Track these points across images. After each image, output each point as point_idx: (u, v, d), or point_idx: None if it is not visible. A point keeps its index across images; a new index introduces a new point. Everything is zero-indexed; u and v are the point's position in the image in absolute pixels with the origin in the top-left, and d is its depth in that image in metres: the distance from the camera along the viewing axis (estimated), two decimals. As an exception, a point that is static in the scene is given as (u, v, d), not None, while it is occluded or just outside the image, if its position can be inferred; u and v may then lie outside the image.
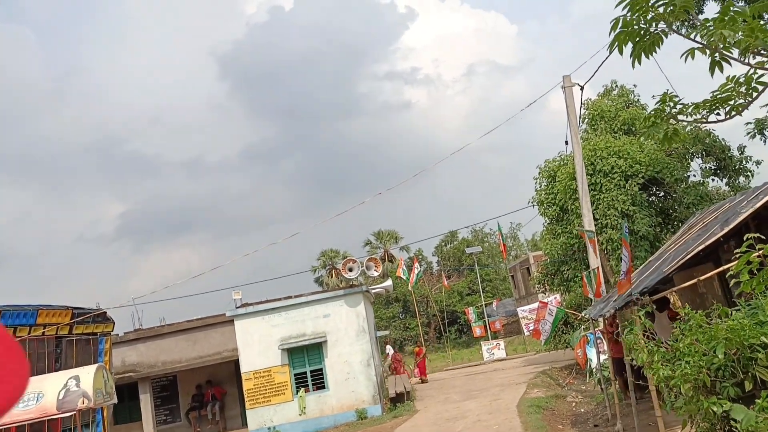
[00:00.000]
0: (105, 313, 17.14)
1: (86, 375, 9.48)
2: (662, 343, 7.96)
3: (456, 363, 34.82)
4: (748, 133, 17.60)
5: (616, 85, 24.50)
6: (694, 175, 20.78)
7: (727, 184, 20.42)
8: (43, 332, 14.37)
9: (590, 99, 24.54)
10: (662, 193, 20.65)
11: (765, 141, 17.54)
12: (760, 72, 5.35)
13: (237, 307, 19.70)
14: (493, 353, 31.48)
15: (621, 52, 5.64)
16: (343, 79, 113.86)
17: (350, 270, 20.78)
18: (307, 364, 19.59)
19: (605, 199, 19.32)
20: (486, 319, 37.17)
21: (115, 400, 10.53)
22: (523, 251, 57.39)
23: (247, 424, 19.31)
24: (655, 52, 5.68)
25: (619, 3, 5.71)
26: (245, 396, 19.13)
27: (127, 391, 20.01)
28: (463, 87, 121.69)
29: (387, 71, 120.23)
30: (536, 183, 23.29)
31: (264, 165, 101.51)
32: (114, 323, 17.24)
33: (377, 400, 19.22)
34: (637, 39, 5.57)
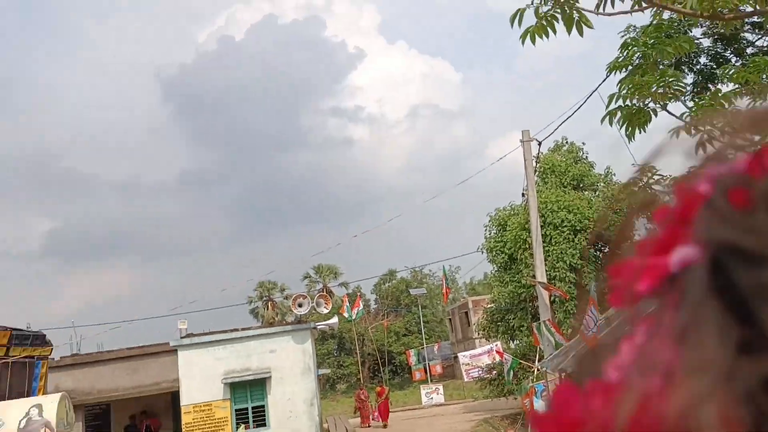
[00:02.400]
0: (44, 336, 16.37)
1: (49, 404, 9.02)
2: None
3: (394, 406, 34.57)
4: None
5: (567, 142, 25.53)
6: (640, 234, 21.73)
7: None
8: (-21, 353, 13.66)
9: (542, 153, 25.47)
10: (608, 249, 21.50)
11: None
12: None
13: (182, 337, 19.13)
14: (431, 398, 31.49)
15: (611, 124, 6.07)
16: (287, 111, 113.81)
17: (300, 306, 20.54)
18: (249, 400, 19.11)
19: (554, 252, 19.95)
20: (427, 362, 37.22)
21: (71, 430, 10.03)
22: (461, 295, 58.13)
23: (181, 460, 18.57)
24: (645, 129, 6.13)
25: (621, 86, 6.12)
26: (183, 430, 18.45)
27: (54, 419, 18.88)
28: (406, 127, 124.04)
29: (332, 107, 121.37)
30: (486, 230, 23.83)
31: (199, 192, 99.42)
32: (52, 347, 16.44)
33: (319, 440, 18.89)
34: (633, 117, 6.00)
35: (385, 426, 25.75)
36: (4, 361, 14.47)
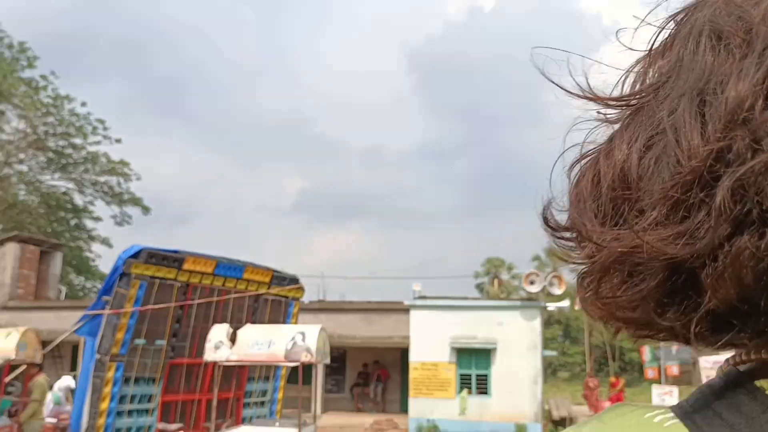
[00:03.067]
0: (298, 279, 18.25)
1: (311, 333, 10.19)
2: None
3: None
4: None
5: None
6: None
7: None
8: (247, 287, 15.71)
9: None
10: None
11: None
12: None
13: (415, 298, 20.09)
14: (664, 399, 29.21)
15: None
16: (530, 86, 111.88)
17: (532, 283, 20.33)
18: (473, 367, 19.49)
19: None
20: (661, 361, 34.55)
21: (328, 361, 11.25)
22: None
23: (406, 411, 19.70)
24: None
25: None
26: (410, 384, 19.48)
27: (301, 355, 21.31)
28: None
29: (577, 84, 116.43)
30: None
31: (436, 163, 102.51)
32: (304, 291, 18.30)
33: (539, 418, 18.68)
34: None
35: None
36: (265, 297, 16.53)
